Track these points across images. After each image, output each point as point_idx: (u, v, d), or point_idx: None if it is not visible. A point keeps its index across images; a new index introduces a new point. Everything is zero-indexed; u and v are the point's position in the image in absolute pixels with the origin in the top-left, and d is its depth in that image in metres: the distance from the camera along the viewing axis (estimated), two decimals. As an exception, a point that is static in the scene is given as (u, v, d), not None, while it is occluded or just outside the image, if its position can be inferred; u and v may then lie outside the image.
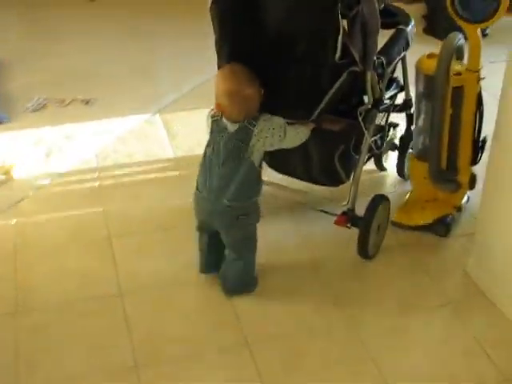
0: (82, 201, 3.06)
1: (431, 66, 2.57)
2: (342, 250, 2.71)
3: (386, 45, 2.53)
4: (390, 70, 2.52)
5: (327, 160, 2.52)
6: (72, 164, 3.32)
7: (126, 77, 4.19)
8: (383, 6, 2.39)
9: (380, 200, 2.61)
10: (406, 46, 2.59)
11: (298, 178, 2.70)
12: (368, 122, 2.48)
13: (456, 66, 2.57)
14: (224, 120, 2.27)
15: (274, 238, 2.76)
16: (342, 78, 2.27)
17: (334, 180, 2.62)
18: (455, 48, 2.50)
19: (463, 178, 2.76)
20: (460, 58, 2.61)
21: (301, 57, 2.26)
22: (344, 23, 2.20)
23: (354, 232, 2.60)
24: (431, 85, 2.57)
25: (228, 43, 2.33)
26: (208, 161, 2.33)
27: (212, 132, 2.32)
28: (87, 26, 4.89)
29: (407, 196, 2.92)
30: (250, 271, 2.48)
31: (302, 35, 2.22)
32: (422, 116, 2.71)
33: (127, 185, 3.20)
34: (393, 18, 2.61)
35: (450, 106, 2.58)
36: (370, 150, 2.61)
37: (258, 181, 2.36)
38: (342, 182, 2.61)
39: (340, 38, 2.16)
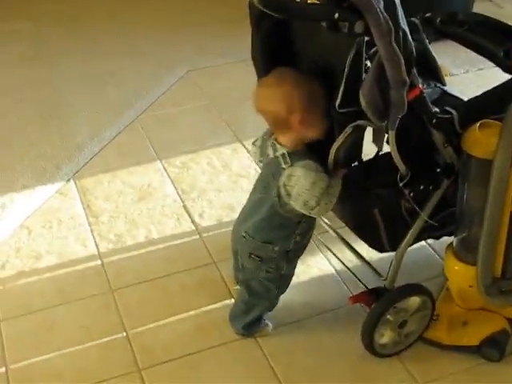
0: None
1: (486, 144, 1.73)
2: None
3: (477, 97, 1.84)
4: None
5: (364, 212, 1.99)
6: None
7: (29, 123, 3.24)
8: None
9: (411, 291, 2.02)
10: None
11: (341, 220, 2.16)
12: (417, 196, 1.88)
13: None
14: (270, 141, 1.89)
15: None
16: (345, 132, 1.75)
17: (371, 241, 2.04)
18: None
19: (524, 288, 1.95)
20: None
21: None
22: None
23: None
24: (485, 171, 1.73)
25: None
26: (257, 179, 2.02)
27: (260, 148, 1.98)
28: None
29: (441, 302, 2.12)
30: (248, 310, 2.09)
31: (326, 71, 1.79)
32: (467, 200, 1.87)
33: (35, 313, 2.25)
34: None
35: (512, 201, 1.77)
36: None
37: (284, 228, 1.93)
38: (384, 250, 2.02)
39: (343, 80, 1.66)
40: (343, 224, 2.15)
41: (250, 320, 2.11)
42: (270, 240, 1.95)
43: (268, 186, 1.89)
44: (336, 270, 2.37)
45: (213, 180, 2.82)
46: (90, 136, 3.14)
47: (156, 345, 2.13)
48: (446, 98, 1.99)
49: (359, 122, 1.73)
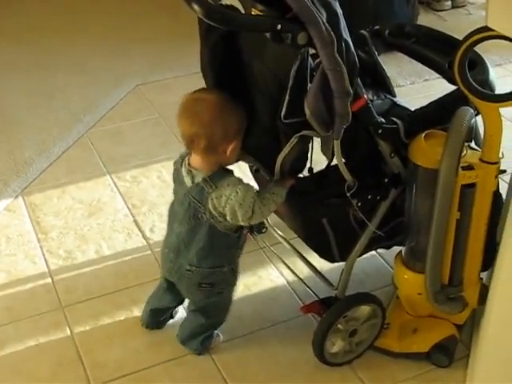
0: None
1: (431, 154, 1.76)
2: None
3: (422, 107, 1.88)
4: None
5: (313, 221, 1.96)
6: None
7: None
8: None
9: (361, 300, 2.04)
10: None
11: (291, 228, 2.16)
12: (364, 206, 1.90)
13: (467, 155, 1.76)
14: (184, 169, 1.87)
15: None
16: (291, 142, 1.75)
17: (322, 251, 2.05)
18: (466, 132, 1.67)
19: (471, 294, 1.99)
20: (468, 140, 1.78)
21: (266, 104, 1.85)
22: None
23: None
24: (431, 180, 1.76)
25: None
26: (171, 211, 1.99)
27: (174, 180, 1.95)
28: None
29: (391, 311, 2.14)
30: (206, 330, 2.10)
31: (273, 81, 1.78)
32: (414, 209, 1.89)
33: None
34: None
35: (458, 209, 1.80)
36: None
37: (228, 248, 1.94)
38: (334, 260, 2.04)
39: (288, 91, 1.64)
40: (295, 235, 2.16)
41: (205, 336, 2.10)
42: (218, 264, 1.95)
43: (197, 213, 1.86)
44: (288, 281, 2.37)
45: (163, 194, 2.81)
46: (38, 151, 3.11)
47: (108, 361, 2.10)
48: (396, 109, 2.02)
49: (304, 132, 1.73)
